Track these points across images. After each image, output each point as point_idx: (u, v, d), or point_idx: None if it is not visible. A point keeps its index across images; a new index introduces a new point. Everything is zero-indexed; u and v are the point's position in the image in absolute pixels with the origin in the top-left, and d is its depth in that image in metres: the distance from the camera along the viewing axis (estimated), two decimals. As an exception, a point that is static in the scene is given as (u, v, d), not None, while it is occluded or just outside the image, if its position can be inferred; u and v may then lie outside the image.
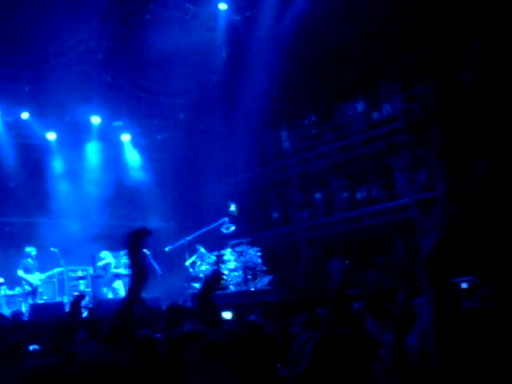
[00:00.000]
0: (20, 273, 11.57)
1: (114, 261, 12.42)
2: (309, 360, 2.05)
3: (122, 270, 12.16)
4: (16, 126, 13.67)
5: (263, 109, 14.00)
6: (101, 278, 12.19)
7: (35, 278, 11.69)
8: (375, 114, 13.94)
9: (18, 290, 11.65)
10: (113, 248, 12.89)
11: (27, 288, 11.59)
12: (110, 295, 11.79)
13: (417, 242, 12.93)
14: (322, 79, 13.29)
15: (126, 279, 12.23)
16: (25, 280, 11.56)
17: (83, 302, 11.78)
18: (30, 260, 11.76)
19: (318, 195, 14.75)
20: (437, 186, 12.95)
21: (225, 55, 13.82)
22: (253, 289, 12.44)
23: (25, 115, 13.63)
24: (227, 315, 5.75)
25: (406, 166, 13.45)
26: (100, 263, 12.25)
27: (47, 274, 11.94)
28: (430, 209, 12.98)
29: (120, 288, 12.00)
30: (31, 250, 11.91)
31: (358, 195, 14.09)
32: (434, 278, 1.85)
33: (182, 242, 13.12)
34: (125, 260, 12.83)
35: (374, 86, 13.95)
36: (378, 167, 14.02)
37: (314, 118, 15.02)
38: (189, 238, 13.10)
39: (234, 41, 13.60)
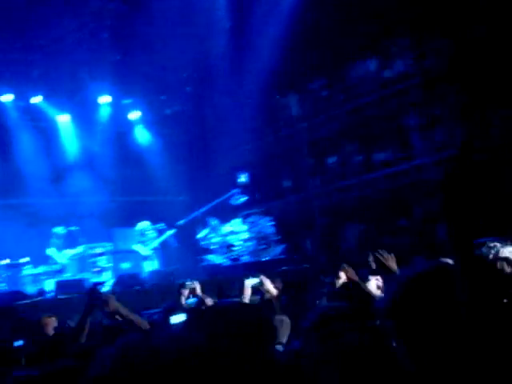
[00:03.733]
0: (51, 251, 12.08)
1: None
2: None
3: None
4: (28, 110, 13.94)
5: (271, 75, 13.66)
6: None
7: (63, 257, 12.19)
8: (387, 73, 13.34)
9: (42, 269, 12.09)
10: (127, 224, 13.17)
11: (55, 267, 12.09)
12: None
13: (436, 203, 12.44)
14: (328, 39, 12.80)
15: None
16: (53, 258, 12.07)
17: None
18: (57, 239, 12.26)
19: (330, 160, 14.34)
20: (455, 143, 12.34)
21: (228, 24, 13.53)
22: (265, 259, 12.41)
23: (36, 99, 13.83)
24: (252, 281, 5.55)
25: (422, 125, 12.87)
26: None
27: (74, 252, 12.35)
28: (449, 168, 12.41)
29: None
30: (59, 229, 12.40)
31: (372, 158, 13.61)
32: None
33: (194, 215, 13.21)
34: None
35: (384, 43, 13.31)
36: (392, 128, 13.46)
37: (322, 81, 14.51)
38: (201, 210, 13.17)
39: (236, 8, 13.27)
